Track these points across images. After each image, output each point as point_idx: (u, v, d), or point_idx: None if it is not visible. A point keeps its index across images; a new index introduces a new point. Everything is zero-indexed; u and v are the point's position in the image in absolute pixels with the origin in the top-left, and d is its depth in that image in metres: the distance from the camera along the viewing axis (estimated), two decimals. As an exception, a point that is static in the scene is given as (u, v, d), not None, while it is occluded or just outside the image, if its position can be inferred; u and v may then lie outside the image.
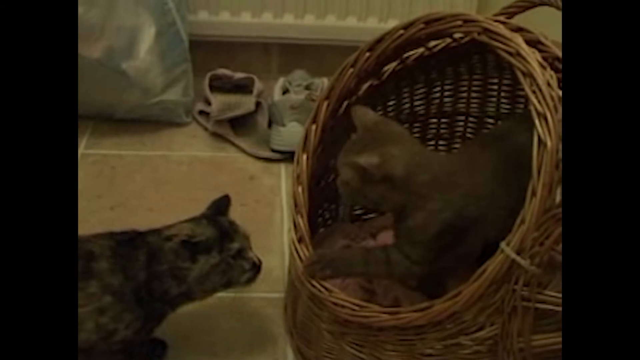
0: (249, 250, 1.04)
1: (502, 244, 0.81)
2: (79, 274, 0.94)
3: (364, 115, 1.00)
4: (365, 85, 1.12)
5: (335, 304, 0.94)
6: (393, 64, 1.13)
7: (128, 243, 1.01)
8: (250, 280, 1.04)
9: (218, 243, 1.00)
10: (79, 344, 0.94)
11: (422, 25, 0.97)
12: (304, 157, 1.05)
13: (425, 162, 0.96)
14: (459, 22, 0.93)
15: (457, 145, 1.33)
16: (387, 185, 0.93)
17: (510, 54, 0.85)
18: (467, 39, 1.06)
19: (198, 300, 1.05)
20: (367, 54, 1.03)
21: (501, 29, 0.87)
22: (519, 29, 0.88)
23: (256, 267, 1.04)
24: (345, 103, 1.09)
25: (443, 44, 1.12)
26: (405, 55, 1.12)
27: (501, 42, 0.86)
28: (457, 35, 1.06)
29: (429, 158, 0.98)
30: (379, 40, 1.01)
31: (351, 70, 1.04)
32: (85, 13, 1.49)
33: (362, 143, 0.96)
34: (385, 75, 1.14)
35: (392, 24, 1.83)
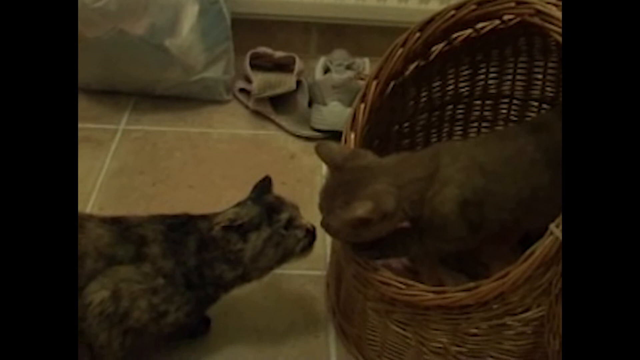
0: (300, 218, 1.03)
1: (552, 226, 0.81)
2: (132, 257, 0.95)
3: (330, 152, 0.99)
4: (412, 66, 1.12)
5: (381, 282, 0.95)
6: (440, 45, 1.13)
7: (179, 227, 1.01)
8: (306, 248, 1.03)
9: (266, 217, 1.00)
10: (132, 322, 0.95)
11: (473, 7, 0.97)
12: (352, 135, 1.04)
13: (408, 173, 0.97)
14: (512, 4, 0.93)
15: (500, 128, 1.33)
16: (383, 221, 0.93)
17: (564, 36, 0.84)
18: (516, 20, 1.06)
19: (255, 280, 1.04)
20: (417, 34, 1.02)
21: (554, 11, 0.87)
22: (572, 11, 0.88)
23: (310, 234, 1.02)
24: (392, 84, 1.09)
25: (490, 26, 1.11)
26: (453, 36, 1.12)
27: (555, 25, 0.86)
28: (506, 17, 1.05)
29: (410, 166, 0.98)
30: (430, 21, 1.01)
31: (400, 50, 1.04)
32: (129, -10, 1.50)
33: (343, 190, 0.95)
34: (432, 56, 1.13)
35: (433, 5, 1.83)
